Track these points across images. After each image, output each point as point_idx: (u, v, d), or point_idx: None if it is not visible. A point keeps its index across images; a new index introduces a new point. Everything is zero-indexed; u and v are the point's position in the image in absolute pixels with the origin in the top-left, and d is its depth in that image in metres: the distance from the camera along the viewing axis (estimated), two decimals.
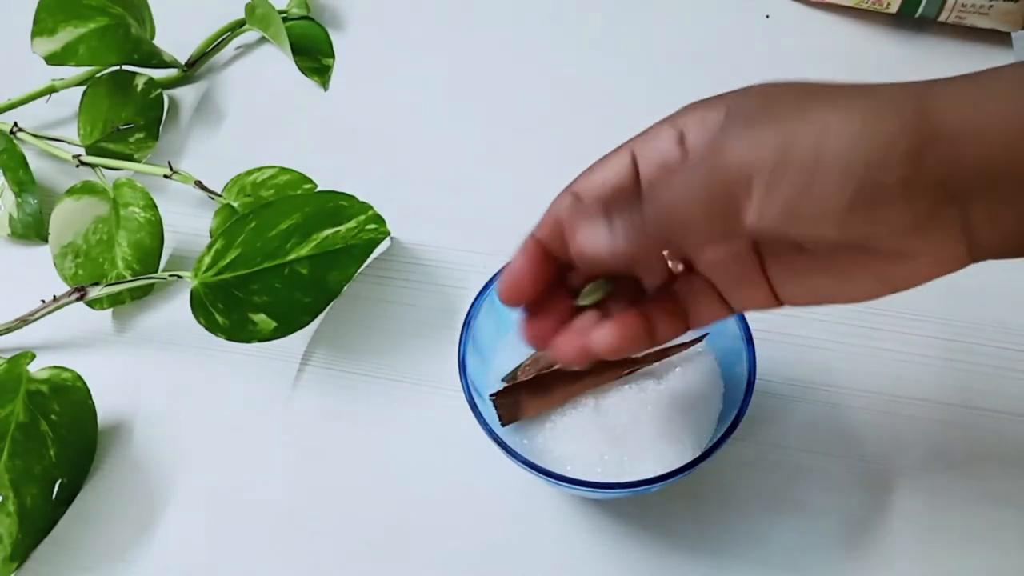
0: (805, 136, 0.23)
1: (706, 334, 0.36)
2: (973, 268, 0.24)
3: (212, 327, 0.39)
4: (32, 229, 0.48)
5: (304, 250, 0.41)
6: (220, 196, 0.46)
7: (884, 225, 0.23)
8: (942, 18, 0.49)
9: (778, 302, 0.27)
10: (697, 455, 0.32)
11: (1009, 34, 0.49)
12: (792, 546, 0.36)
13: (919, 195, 0.22)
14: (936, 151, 0.22)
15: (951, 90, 0.23)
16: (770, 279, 0.27)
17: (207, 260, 0.40)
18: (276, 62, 0.54)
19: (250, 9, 0.54)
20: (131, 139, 0.50)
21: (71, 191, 0.46)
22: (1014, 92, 0.22)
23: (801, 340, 0.40)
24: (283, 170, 0.46)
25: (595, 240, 0.26)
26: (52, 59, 0.47)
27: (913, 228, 0.23)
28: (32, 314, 0.42)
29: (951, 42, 0.50)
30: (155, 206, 0.45)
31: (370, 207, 0.43)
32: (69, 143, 0.50)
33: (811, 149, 0.23)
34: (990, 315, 0.40)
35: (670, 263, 0.27)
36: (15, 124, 0.50)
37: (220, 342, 0.40)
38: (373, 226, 0.43)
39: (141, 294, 0.45)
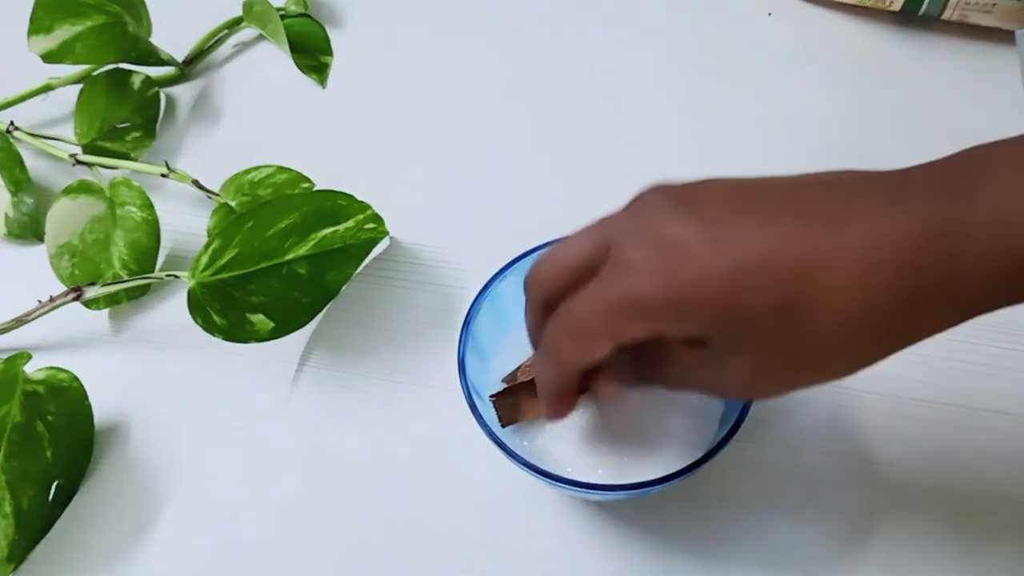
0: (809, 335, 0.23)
1: None
2: None
3: (209, 327, 0.39)
4: (28, 229, 0.48)
5: (302, 250, 0.41)
6: (217, 195, 0.46)
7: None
8: (945, 16, 0.49)
9: None
10: (698, 457, 0.32)
11: (1012, 32, 0.49)
12: (792, 546, 0.35)
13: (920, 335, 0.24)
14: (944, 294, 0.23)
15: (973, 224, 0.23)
16: None
17: (204, 260, 0.40)
18: (274, 60, 0.54)
19: (248, 7, 0.53)
20: (128, 138, 0.50)
21: (67, 190, 0.45)
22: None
23: None
24: (281, 169, 0.46)
25: (616, 394, 0.29)
26: (49, 57, 0.47)
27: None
28: (28, 314, 0.41)
29: (954, 40, 0.50)
30: (152, 205, 0.45)
31: (368, 206, 0.42)
32: (66, 142, 0.49)
33: (816, 331, 0.23)
34: (990, 316, 0.40)
35: None
36: (11, 123, 0.49)
37: (218, 342, 0.39)
38: (371, 225, 0.43)
39: (138, 294, 0.45)
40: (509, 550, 0.36)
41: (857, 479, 0.37)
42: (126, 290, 0.44)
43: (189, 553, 0.38)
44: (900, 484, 0.36)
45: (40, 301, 0.41)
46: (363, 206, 0.42)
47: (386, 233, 0.43)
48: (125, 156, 0.49)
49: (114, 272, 0.44)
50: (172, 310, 0.45)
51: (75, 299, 0.41)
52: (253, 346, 0.40)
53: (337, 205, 0.42)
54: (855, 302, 0.23)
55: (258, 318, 0.40)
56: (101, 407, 0.40)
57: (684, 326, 0.24)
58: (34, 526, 0.38)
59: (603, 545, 0.36)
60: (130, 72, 0.50)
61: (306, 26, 0.55)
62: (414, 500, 0.38)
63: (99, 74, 0.50)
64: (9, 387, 0.38)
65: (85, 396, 0.40)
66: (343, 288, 0.42)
